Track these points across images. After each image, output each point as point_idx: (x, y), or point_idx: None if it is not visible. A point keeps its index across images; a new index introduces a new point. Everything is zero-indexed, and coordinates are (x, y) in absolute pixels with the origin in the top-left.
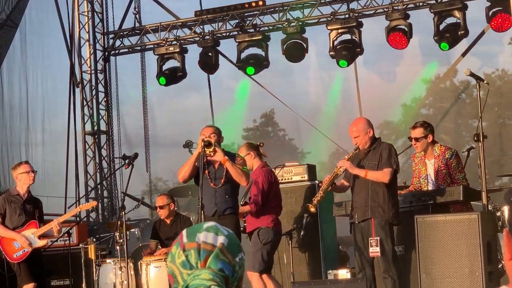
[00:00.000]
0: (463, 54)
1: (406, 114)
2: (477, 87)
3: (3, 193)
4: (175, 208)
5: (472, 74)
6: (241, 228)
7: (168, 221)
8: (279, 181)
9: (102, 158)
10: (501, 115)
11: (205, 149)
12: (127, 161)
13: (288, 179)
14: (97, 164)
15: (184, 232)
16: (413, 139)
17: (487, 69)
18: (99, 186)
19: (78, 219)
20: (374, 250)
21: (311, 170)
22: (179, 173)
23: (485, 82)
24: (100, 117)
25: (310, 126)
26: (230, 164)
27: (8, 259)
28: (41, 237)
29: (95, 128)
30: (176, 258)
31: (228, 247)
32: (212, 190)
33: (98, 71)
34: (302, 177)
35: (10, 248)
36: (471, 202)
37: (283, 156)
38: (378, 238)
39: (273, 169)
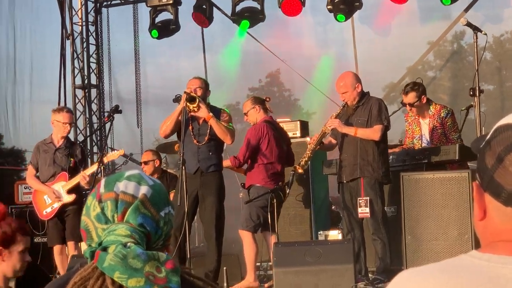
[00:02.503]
0: (466, 10)
1: (412, 77)
2: (474, 37)
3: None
4: (164, 165)
5: (469, 24)
6: (242, 183)
7: (154, 177)
8: None
9: (92, 112)
10: (510, 78)
11: (188, 104)
12: (106, 114)
13: None
14: (87, 119)
15: (102, 180)
16: (407, 105)
17: (494, 30)
18: (88, 140)
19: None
20: (363, 211)
21: (304, 126)
22: (161, 128)
23: (483, 32)
24: (91, 70)
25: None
26: (215, 121)
27: (38, 213)
28: (70, 191)
29: (86, 81)
30: (91, 211)
31: (151, 199)
32: (195, 146)
33: (90, 23)
34: (294, 134)
35: (40, 203)
36: (468, 163)
37: (289, 116)
38: (368, 198)
39: (276, 123)
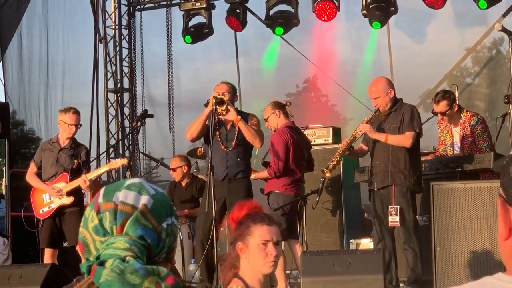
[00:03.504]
0: (504, 15)
1: (449, 83)
2: (510, 43)
3: None
4: (194, 171)
5: (504, 29)
6: (261, 189)
7: (183, 184)
8: None
9: (125, 116)
10: None
11: (217, 107)
12: (135, 118)
13: (311, 141)
14: (119, 123)
15: (101, 190)
16: (439, 114)
17: None
18: (120, 144)
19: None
20: (394, 220)
21: (336, 132)
22: (188, 131)
23: None
24: (124, 74)
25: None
26: (243, 124)
27: (34, 212)
28: (69, 194)
29: (118, 85)
30: (89, 222)
31: (153, 209)
32: (223, 152)
33: (123, 27)
34: (325, 140)
35: (38, 202)
36: None
37: (326, 123)
38: (398, 206)
39: (297, 128)
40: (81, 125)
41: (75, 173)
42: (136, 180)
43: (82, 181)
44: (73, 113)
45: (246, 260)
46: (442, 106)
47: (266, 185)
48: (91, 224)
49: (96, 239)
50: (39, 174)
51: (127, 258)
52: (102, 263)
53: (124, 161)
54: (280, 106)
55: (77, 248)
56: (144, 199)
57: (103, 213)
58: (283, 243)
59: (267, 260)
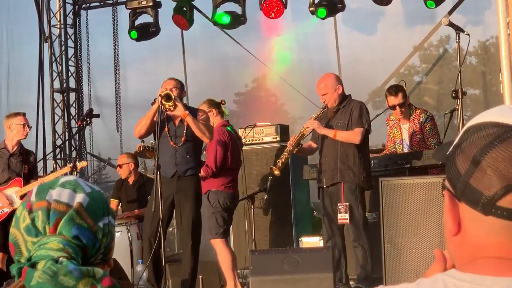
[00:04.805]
0: (450, 12)
1: (397, 81)
2: (457, 38)
3: None
4: (142, 171)
5: (451, 24)
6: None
7: (130, 182)
8: (250, 142)
9: (71, 117)
10: (495, 83)
11: (164, 102)
12: (80, 117)
13: (259, 140)
14: (65, 123)
15: (34, 188)
16: (397, 106)
17: (480, 35)
18: (67, 145)
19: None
20: (343, 217)
21: (284, 130)
22: (136, 128)
23: (465, 33)
24: (70, 74)
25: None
26: (192, 119)
27: None
28: (23, 197)
29: (64, 85)
30: (21, 222)
31: (88, 208)
32: (172, 149)
33: (68, 26)
34: (273, 138)
35: None
36: None
37: (275, 121)
38: (348, 203)
39: (234, 129)
40: (31, 127)
41: (27, 179)
42: (71, 177)
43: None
44: (23, 115)
45: None
46: (401, 97)
47: (203, 184)
48: (23, 224)
49: (28, 239)
50: None
51: (61, 259)
52: (33, 265)
53: (83, 163)
54: (216, 105)
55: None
56: (79, 197)
57: (36, 212)
58: (231, 241)
59: None
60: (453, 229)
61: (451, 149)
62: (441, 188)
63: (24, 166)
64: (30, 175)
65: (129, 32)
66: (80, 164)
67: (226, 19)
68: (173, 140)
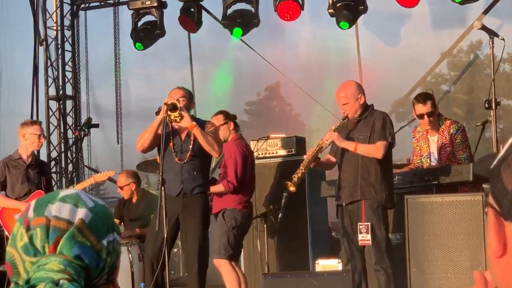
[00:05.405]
0: (485, 12)
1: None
2: (490, 43)
3: None
4: (145, 186)
5: (484, 28)
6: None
7: (134, 200)
8: (263, 155)
9: (68, 127)
10: None
11: (169, 113)
12: (78, 128)
13: (273, 153)
14: (61, 134)
15: (32, 202)
16: (425, 116)
17: None
18: (62, 157)
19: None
20: (364, 238)
21: (300, 142)
22: (138, 141)
23: (500, 37)
24: (66, 80)
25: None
26: (199, 131)
27: (8, 234)
28: None
29: (60, 92)
30: (18, 240)
31: (91, 224)
32: (177, 166)
33: (65, 28)
34: (288, 151)
35: (11, 222)
36: (484, 185)
37: (290, 133)
38: (369, 223)
39: (248, 143)
40: (46, 137)
41: (46, 191)
42: (71, 191)
43: None
44: (39, 124)
45: None
46: (429, 105)
47: (216, 202)
48: (20, 243)
49: (25, 259)
50: None
51: (61, 281)
52: None
53: (110, 173)
54: (232, 117)
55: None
56: (81, 213)
57: (34, 230)
58: (242, 263)
59: None
60: (498, 251)
61: (495, 162)
62: (472, 207)
63: (42, 177)
64: (48, 188)
65: (134, 43)
66: (102, 176)
67: (237, 33)
68: (178, 156)
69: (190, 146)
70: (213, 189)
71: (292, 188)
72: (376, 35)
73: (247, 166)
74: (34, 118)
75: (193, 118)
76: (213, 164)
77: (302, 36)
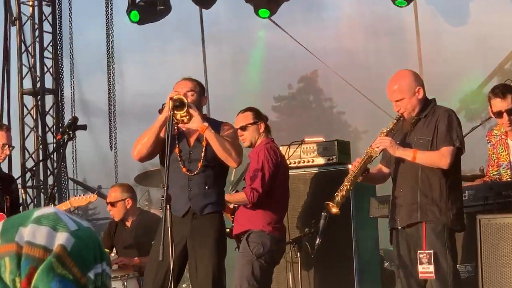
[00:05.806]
0: None
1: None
2: None
3: None
4: (145, 203)
5: None
6: (227, 230)
7: (128, 224)
8: (296, 165)
9: (47, 128)
10: None
11: (175, 111)
12: (60, 130)
13: (308, 161)
14: (39, 138)
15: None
16: (504, 113)
17: None
18: (41, 167)
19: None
20: (426, 270)
21: (344, 148)
22: (135, 147)
23: None
24: (46, 69)
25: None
26: (212, 133)
27: None
28: None
29: (38, 85)
30: None
31: (74, 252)
32: (184, 178)
33: (44, 3)
34: (329, 159)
35: None
36: None
37: (330, 136)
38: (432, 251)
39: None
40: (13, 147)
41: (10, 214)
42: (49, 210)
43: None
44: (6, 130)
45: None
46: (510, 100)
47: (239, 221)
48: None
49: None
50: None
51: None
52: None
53: (91, 197)
54: (265, 118)
55: None
56: (61, 238)
57: (2, 259)
58: None
59: None
60: None
61: None
62: None
63: (6, 197)
64: (13, 209)
65: (128, 13)
66: (82, 200)
67: (264, 13)
68: (186, 165)
69: (202, 154)
70: (231, 197)
71: (335, 210)
72: (439, 12)
73: (279, 176)
74: (4, 118)
75: (205, 118)
76: (232, 176)
77: (345, 13)
